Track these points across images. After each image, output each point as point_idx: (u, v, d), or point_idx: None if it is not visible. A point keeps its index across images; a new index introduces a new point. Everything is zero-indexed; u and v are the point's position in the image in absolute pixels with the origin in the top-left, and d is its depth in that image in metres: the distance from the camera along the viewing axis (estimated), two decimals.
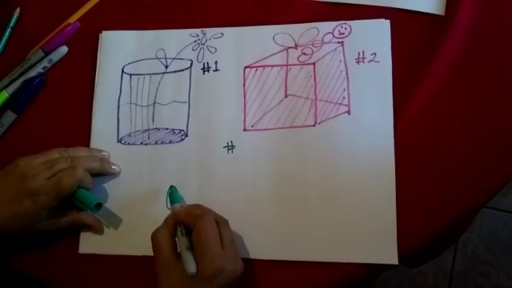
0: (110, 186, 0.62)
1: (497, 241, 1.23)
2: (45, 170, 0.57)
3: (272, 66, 0.64)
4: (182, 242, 0.53)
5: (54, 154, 0.60)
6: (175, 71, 0.65)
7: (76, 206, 0.59)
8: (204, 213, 0.54)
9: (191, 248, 0.52)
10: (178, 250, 0.53)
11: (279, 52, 0.64)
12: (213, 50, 0.65)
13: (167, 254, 0.52)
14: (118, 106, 0.65)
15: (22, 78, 0.66)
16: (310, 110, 0.61)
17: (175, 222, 0.55)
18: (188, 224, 0.54)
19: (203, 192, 0.61)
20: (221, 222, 0.54)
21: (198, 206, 0.57)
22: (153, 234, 0.54)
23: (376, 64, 0.62)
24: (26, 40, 0.69)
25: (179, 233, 0.54)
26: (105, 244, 0.60)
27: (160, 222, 0.59)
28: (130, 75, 0.66)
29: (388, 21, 0.63)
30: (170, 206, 0.59)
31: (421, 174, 0.58)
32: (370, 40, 0.62)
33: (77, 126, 0.64)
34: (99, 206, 0.59)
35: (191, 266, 0.50)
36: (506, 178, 0.58)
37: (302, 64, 0.63)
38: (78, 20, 0.69)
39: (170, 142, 0.63)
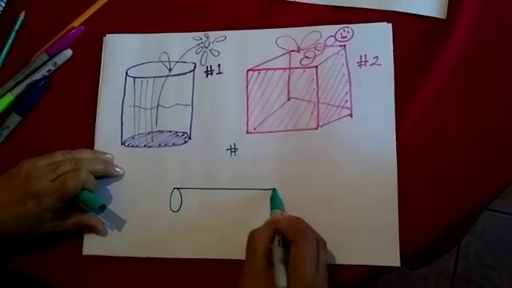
0: (113, 188, 0.62)
1: (499, 243, 1.23)
2: (49, 172, 0.58)
3: (275, 69, 0.64)
4: (277, 252, 0.51)
5: (58, 156, 0.60)
6: (178, 74, 0.66)
7: (80, 208, 0.60)
8: (307, 230, 0.53)
9: (285, 261, 0.51)
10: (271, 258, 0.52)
11: (282, 55, 0.64)
12: (216, 53, 0.66)
13: (261, 258, 0.51)
14: (122, 109, 0.65)
15: (27, 81, 0.67)
16: (312, 112, 0.62)
17: (275, 229, 0.53)
18: (288, 236, 0.52)
19: (206, 194, 0.61)
20: (321, 243, 0.53)
21: (299, 220, 0.55)
22: (251, 233, 0.53)
23: (378, 67, 0.62)
24: (31, 43, 0.69)
25: (276, 242, 0.52)
26: (108, 246, 0.61)
27: (163, 224, 0.60)
28: (134, 78, 0.66)
29: (390, 24, 0.63)
30: (270, 210, 0.58)
31: (422, 176, 0.58)
32: (372, 43, 0.63)
33: (81, 129, 0.65)
34: (103, 207, 0.59)
35: (282, 281, 0.49)
36: (506, 180, 0.58)
37: (305, 67, 0.64)
38: (83, 24, 0.69)
39: (174, 144, 0.63)
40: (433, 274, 1.23)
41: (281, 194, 0.59)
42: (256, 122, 0.63)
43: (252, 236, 0.53)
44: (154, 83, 0.65)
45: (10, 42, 0.70)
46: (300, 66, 0.64)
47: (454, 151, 0.59)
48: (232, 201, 0.60)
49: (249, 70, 0.64)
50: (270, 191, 0.59)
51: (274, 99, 0.63)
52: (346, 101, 0.61)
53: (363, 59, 0.63)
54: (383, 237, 0.57)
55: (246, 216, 0.59)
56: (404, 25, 0.63)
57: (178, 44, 0.66)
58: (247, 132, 0.62)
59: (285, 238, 0.52)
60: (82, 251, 0.61)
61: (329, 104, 0.62)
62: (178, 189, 0.61)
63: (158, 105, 0.65)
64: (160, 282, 0.59)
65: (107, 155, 0.63)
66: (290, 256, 0.51)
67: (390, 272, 0.57)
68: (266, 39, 0.65)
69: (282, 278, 0.49)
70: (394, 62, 0.62)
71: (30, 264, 0.61)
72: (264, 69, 0.64)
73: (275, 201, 0.58)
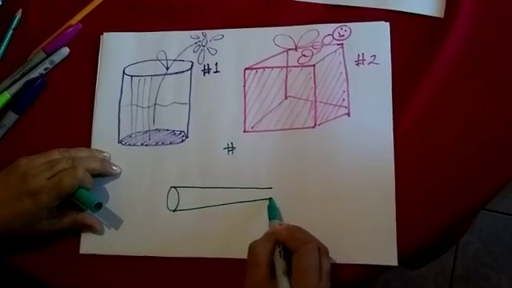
0: (110, 186, 0.62)
1: (498, 243, 1.23)
2: (46, 169, 0.58)
3: (272, 68, 0.64)
4: (279, 264, 0.51)
5: (55, 154, 0.60)
6: (176, 73, 0.65)
7: (76, 206, 0.59)
8: (308, 239, 0.52)
9: (287, 272, 0.50)
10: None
11: (279, 54, 0.64)
12: (213, 52, 0.66)
13: (263, 270, 0.50)
14: (119, 107, 0.65)
15: (24, 79, 0.67)
16: (309, 111, 0.62)
17: (275, 240, 0.53)
18: (289, 247, 0.52)
19: (203, 193, 0.61)
20: (322, 251, 0.52)
21: (299, 229, 0.55)
22: (252, 244, 0.52)
23: (375, 66, 0.62)
24: (28, 41, 0.69)
25: (277, 253, 0.52)
26: (105, 244, 0.60)
27: (161, 223, 0.60)
28: (131, 76, 0.66)
29: (388, 23, 0.63)
30: (268, 220, 0.57)
31: (420, 175, 0.58)
32: (369, 42, 0.63)
33: (78, 127, 0.65)
34: (99, 205, 0.59)
35: None
36: (504, 179, 0.58)
37: (302, 66, 0.63)
38: (80, 21, 0.69)
39: (171, 143, 0.63)
40: (431, 273, 1.23)
41: (278, 193, 0.59)
42: (253, 120, 0.63)
43: (253, 248, 0.52)
44: (152, 82, 0.65)
45: (6, 40, 0.69)
46: (297, 64, 0.64)
47: (453, 150, 0.59)
48: (229, 200, 0.60)
49: (246, 69, 0.64)
50: (267, 201, 0.59)
51: (271, 98, 0.63)
52: (344, 99, 0.61)
53: (361, 58, 0.62)
54: (381, 235, 0.57)
55: (243, 215, 0.59)
56: (402, 24, 0.63)
57: (176, 42, 0.66)
58: (244, 131, 0.62)
59: (286, 248, 0.52)
60: (79, 250, 0.61)
61: (326, 103, 0.62)
62: (175, 187, 0.61)
63: (156, 103, 0.65)
64: (157, 280, 0.59)
65: (104, 153, 0.63)
66: (293, 266, 0.50)
67: (387, 271, 0.57)
68: (263, 38, 0.65)
69: None
70: (392, 61, 0.62)
71: (26, 262, 0.61)
72: (261, 67, 0.64)
73: (273, 210, 0.58)
